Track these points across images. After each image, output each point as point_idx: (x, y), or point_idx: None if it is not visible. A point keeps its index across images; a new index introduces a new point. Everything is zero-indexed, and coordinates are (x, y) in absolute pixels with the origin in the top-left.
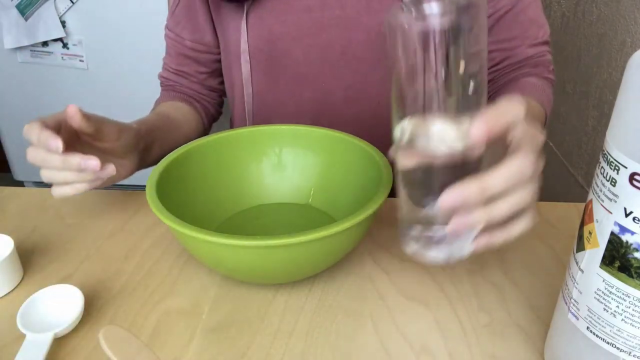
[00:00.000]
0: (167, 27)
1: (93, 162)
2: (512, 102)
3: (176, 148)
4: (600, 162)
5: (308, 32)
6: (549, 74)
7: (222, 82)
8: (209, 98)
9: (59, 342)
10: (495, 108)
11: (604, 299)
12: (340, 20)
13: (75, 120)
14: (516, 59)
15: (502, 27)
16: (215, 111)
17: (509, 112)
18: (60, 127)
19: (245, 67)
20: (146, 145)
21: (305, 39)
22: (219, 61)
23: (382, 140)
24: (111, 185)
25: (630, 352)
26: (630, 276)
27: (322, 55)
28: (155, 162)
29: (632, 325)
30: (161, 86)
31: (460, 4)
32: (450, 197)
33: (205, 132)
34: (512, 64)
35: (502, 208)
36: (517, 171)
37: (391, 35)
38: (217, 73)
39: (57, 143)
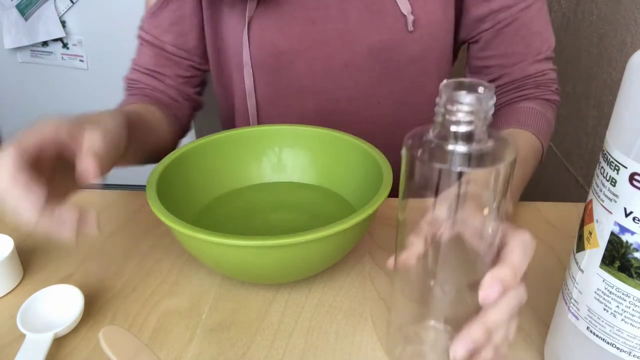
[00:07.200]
0: (142, 28)
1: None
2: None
3: (151, 152)
4: (600, 162)
5: (311, 45)
6: (552, 94)
7: (198, 93)
8: (183, 107)
9: (59, 342)
10: (508, 263)
11: (604, 299)
12: (343, 33)
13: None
14: (515, 76)
15: (502, 41)
16: (187, 123)
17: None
18: (32, 162)
19: (249, 79)
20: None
21: (309, 52)
22: (199, 69)
23: (385, 149)
24: (112, 185)
25: (630, 352)
26: (630, 276)
27: (325, 68)
28: (134, 161)
29: (632, 325)
30: (126, 90)
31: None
32: (460, 346)
33: (176, 144)
34: (510, 82)
35: (502, 333)
36: (516, 302)
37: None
38: (195, 82)
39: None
